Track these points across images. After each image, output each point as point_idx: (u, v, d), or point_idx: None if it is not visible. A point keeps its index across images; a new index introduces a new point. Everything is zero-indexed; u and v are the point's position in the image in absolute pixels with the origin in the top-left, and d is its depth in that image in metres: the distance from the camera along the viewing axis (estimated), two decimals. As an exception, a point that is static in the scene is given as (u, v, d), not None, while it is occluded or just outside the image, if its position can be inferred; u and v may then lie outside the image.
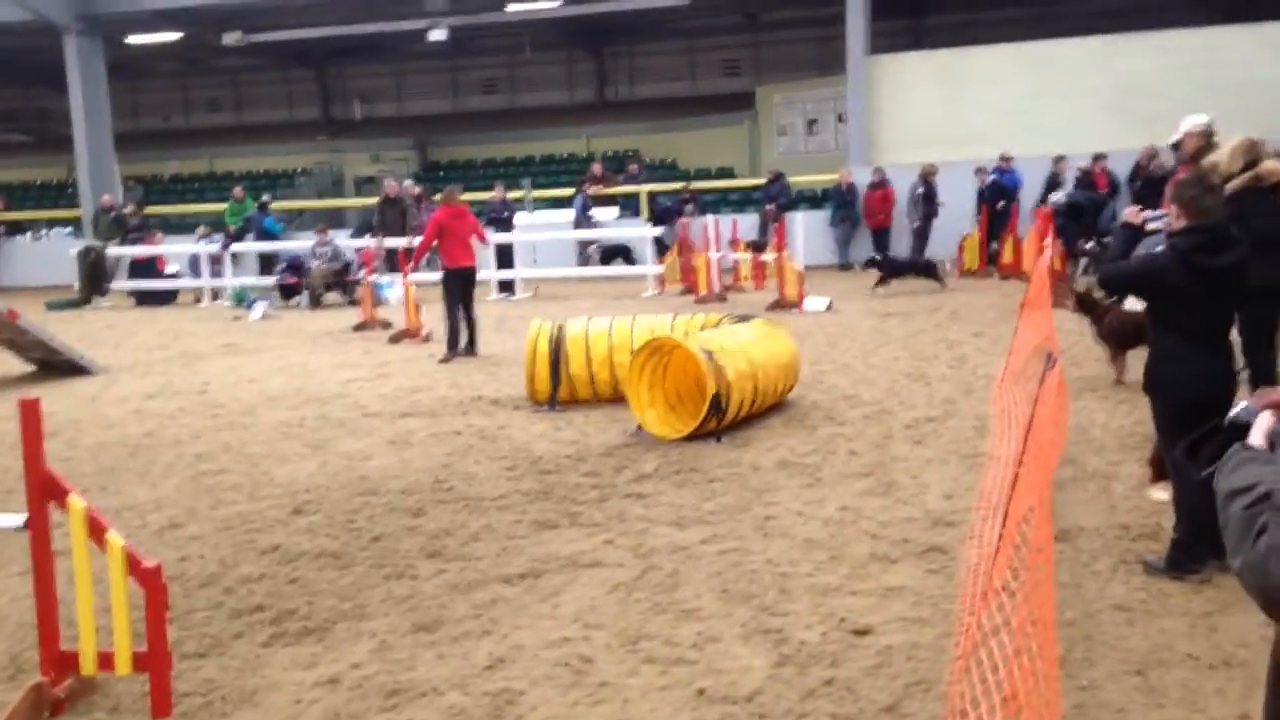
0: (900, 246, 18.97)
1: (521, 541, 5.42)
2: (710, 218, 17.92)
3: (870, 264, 16.45)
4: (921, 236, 18.59)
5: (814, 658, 3.96)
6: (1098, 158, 17.76)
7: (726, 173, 25.34)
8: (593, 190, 21.02)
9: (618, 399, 8.10)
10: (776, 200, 20.24)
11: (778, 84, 26.66)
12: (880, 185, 19.50)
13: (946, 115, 20.34)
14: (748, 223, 20.39)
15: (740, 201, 22.88)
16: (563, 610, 4.49)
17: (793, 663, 3.92)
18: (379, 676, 3.92)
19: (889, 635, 4.13)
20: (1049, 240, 12.76)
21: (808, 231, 17.34)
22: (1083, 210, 16.07)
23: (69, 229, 24.59)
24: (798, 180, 21.56)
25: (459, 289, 11.55)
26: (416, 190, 20.46)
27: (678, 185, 21.93)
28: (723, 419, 7.23)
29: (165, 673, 3.67)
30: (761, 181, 21.73)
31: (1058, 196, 16.58)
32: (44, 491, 3.67)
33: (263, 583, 4.97)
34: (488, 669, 3.96)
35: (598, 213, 20.80)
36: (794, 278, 14.50)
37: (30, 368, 11.64)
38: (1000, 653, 2.66)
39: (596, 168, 22.51)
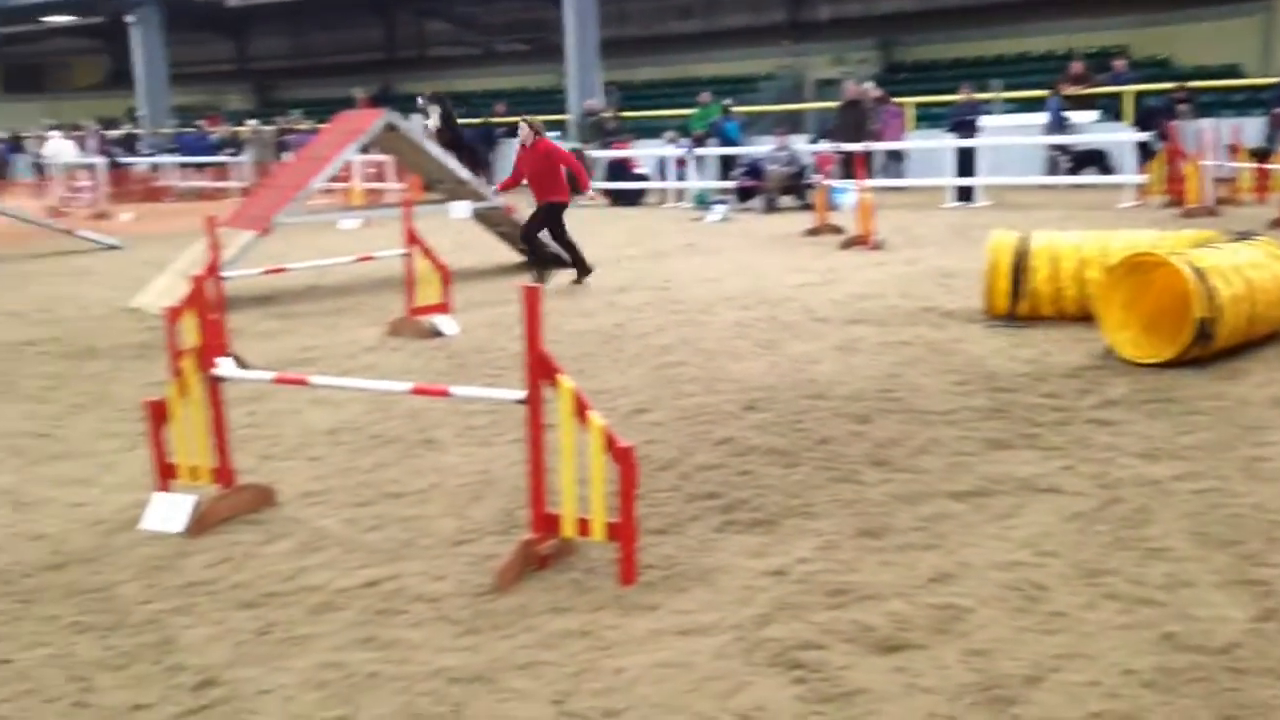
0: None
1: (970, 459, 5.27)
2: (1207, 121, 16.01)
3: None
4: None
5: (1306, 619, 3.52)
6: None
7: (1231, 71, 22.43)
8: (1068, 91, 19.47)
9: (1084, 318, 7.57)
10: (1291, 101, 17.63)
11: (1308, -37, 23.04)
12: None
13: None
14: (1253, 127, 18.00)
15: (1245, 103, 20.21)
16: (1015, 533, 4.33)
17: (1279, 619, 3.52)
18: (824, 574, 4.01)
19: (1406, 608, 3.57)
20: None
21: (1328, 137, 14.97)
22: None
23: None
24: (1321, 78, 18.64)
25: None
26: (877, 93, 20.10)
27: (1169, 85, 19.75)
28: (1209, 347, 6.53)
29: (632, 544, 4.00)
30: (1275, 80, 19.01)
31: None
32: (539, 371, 4.09)
33: (716, 472, 5.24)
34: (932, 581, 3.92)
35: (1074, 115, 19.26)
36: (1306, 191, 12.65)
37: (520, 259, 12.97)
38: None
39: (1076, 66, 20.77)
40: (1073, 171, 18.74)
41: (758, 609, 3.75)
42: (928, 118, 22.50)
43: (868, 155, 17.62)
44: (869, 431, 5.77)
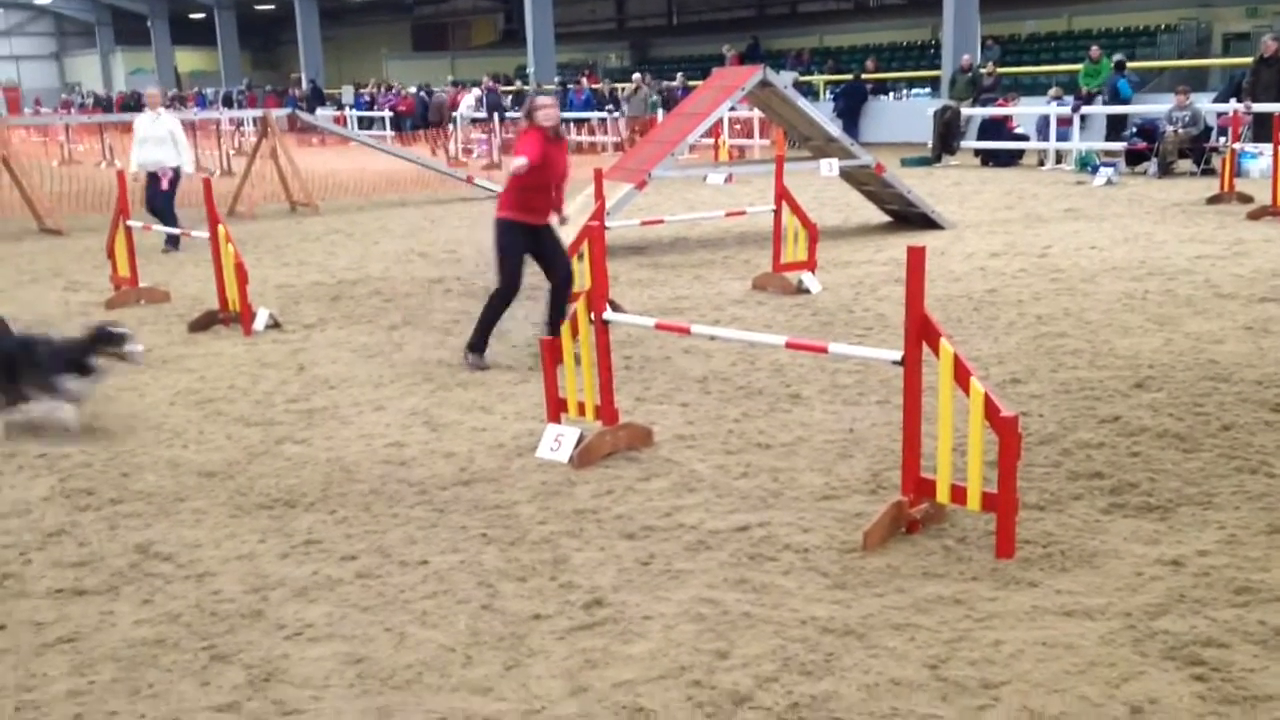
0: None
1: None
2: None
3: None
4: None
5: None
6: None
7: None
8: None
9: None
10: None
11: None
12: None
13: None
14: None
15: None
16: None
17: None
18: (1227, 570, 3.69)
19: None
20: None
21: None
22: None
23: (927, 89, 26.04)
24: None
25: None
26: (1302, 46, 17.85)
27: None
28: None
29: (1011, 517, 3.87)
30: None
31: None
32: (920, 332, 4.01)
33: (1102, 450, 4.94)
34: (1359, 592, 3.52)
35: None
36: None
37: (885, 218, 12.75)
38: None
39: None
40: None
41: (1151, 598, 3.52)
42: (1364, 73, 19.73)
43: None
44: (1281, 421, 5.23)
